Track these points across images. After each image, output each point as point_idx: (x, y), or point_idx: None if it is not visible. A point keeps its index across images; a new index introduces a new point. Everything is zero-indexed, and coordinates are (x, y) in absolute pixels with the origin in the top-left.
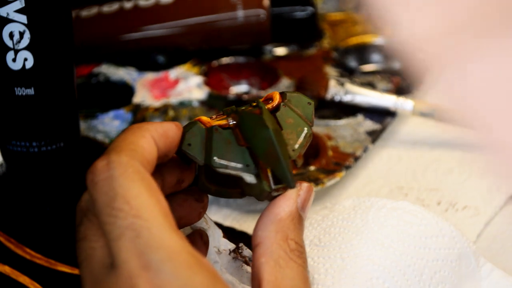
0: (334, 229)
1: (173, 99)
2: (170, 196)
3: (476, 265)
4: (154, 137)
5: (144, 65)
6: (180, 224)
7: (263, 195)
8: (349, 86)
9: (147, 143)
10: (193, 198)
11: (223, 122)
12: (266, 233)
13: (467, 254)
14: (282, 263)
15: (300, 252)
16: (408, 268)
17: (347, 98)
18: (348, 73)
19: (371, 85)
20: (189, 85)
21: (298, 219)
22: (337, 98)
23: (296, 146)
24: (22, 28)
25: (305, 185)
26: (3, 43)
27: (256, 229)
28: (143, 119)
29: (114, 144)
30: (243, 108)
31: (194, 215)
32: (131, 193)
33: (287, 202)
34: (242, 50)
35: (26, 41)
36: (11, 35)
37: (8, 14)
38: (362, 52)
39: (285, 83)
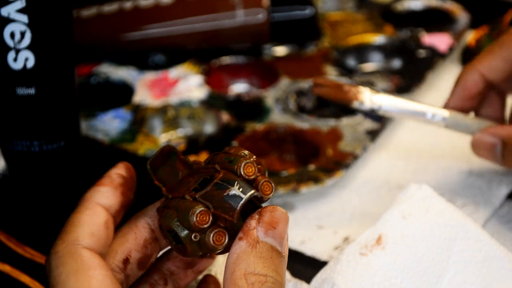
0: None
1: (173, 98)
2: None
3: (511, 268)
4: (100, 201)
5: (144, 65)
6: None
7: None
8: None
9: (88, 215)
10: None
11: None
12: (226, 276)
13: (498, 256)
14: None
15: (262, 282)
16: (428, 269)
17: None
18: (348, 73)
19: (371, 84)
20: (188, 84)
21: (260, 248)
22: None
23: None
24: (23, 28)
25: (266, 208)
26: (4, 43)
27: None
28: (143, 118)
29: (63, 228)
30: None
31: None
32: (60, 279)
33: (243, 237)
34: (242, 50)
35: (27, 41)
36: (12, 35)
37: (9, 14)
38: (362, 51)
39: (284, 82)
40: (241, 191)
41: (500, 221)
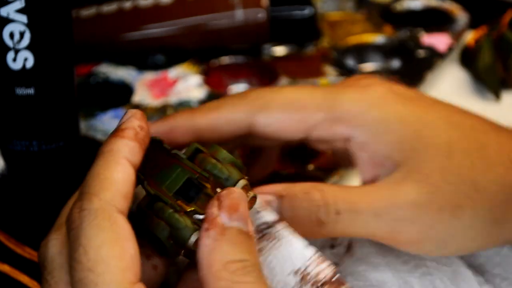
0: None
1: (172, 98)
2: None
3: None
4: (128, 156)
5: (143, 65)
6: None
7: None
8: None
9: (121, 172)
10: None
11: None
12: (202, 271)
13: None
14: None
15: (243, 268)
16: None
17: None
18: (347, 73)
19: None
20: (188, 84)
21: (230, 234)
22: None
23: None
24: (22, 28)
25: (224, 192)
26: (4, 43)
27: (198, 271)
28: None
29: (88, 181)
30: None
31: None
32: (93, 243)
33: (209, 228)
34: (241, 50)
35: (26, 41)
36: (11, 35)
37: (8, 14)
38: (361, 51)
39: (284, 82)
40: None
41: None
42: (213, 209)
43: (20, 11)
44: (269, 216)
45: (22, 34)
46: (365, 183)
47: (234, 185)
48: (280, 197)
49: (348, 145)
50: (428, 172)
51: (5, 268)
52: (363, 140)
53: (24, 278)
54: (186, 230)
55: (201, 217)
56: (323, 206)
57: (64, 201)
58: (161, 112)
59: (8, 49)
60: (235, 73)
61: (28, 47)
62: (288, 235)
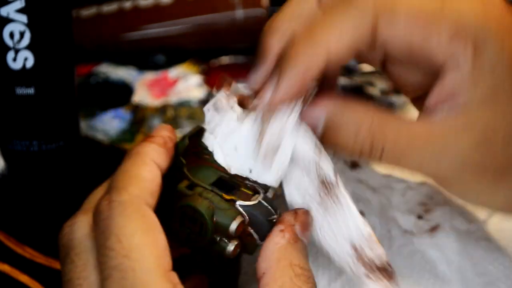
0: None
1: (173, 98)
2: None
3: None
4: (155, 160)
5: (143, 65)
6: None
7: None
8: None
9: (148, 172)
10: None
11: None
12: (268, 263)
13: None
14: None
15: (307, 277)
16: None
17: None
18: (347, 72)
19: (370, 84)
20: (188, 84)
21: (300, 244)
22: None
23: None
24: (22, 27)
25: (301, 210)
26: (4, 43)
27: (259, 261)
28: (142, 118)
29: (117, 177)
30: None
31: None
32: (125, 231)
33: (285, 230)
34: (242, 50)
35: (26, 40)
36: (11, 35)
37: (8, 14)
38: None
39: None
40: (274, 221)
41: (499, 225)
42: (290, 217)
43: (20, 11)
44: (330, 170)
45: (22, 34)
46: (426, 107)
47: (265, 193)
48: (328, 119)
49: (447, 59)
50: (493, 135)
51: (5, 268)
52: (466, 70)
53: (24, 278)
54: (230, 212)
55: (243, 203)
56: (368, 143)
57: (64, 201)
58: (161, 112)
59: (8, 48)
60: (235, 73)
61: (28, 47)
62: (347, 199)
